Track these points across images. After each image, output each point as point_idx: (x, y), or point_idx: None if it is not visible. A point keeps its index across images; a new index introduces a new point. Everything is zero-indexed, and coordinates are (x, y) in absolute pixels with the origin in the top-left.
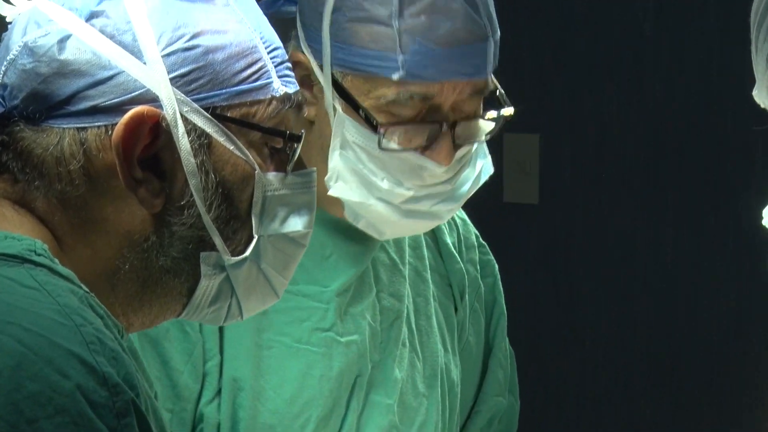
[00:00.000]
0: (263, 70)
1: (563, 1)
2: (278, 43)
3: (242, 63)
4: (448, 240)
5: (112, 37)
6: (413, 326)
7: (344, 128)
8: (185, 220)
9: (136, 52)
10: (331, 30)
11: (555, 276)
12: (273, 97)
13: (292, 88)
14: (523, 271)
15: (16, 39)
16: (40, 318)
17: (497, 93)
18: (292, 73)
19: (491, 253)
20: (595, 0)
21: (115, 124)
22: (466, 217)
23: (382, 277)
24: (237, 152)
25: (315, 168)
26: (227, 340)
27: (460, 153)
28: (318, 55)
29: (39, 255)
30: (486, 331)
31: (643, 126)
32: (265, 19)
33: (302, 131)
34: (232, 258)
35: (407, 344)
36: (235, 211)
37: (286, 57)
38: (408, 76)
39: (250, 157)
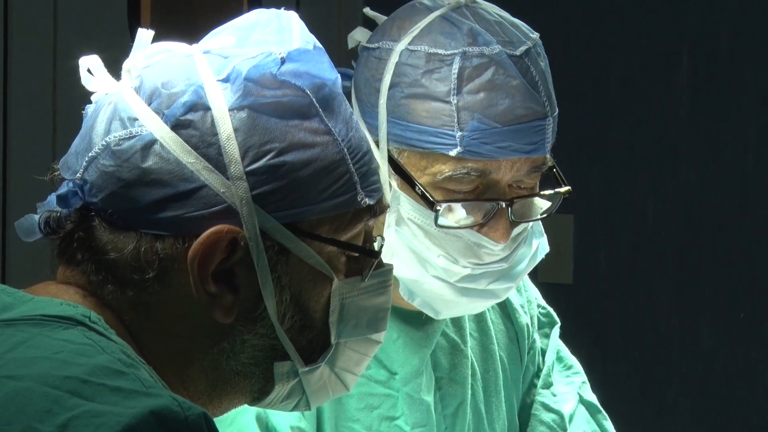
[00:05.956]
0: (348, 183)
1: (600, 82)
2: (365, 146)
3: (328, 179)
4: (514, 300)
5: (197, 149)
6: (480, 407)
7: (399, 204)
8: (257, 331)
9: (220, 167)
10: (388, 106)
11: (588, 356)
12: (355, 210)
13: (376, 196)
14: None
15: (99, 132)
16: (96, 368)
17: (554, 170)
18: (377, 177)
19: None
20: (631, 81)
21: (193, 236)
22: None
23: (442, 362)
24: (316, 265)
25: (392, 264)
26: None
27: (516, 231)
28: (374, 131)
29: (93, 322)
30: (532, 377)
31: (678, 209)
32: (354, 120)
33: (382, 244)
34: (306, 367)
35: (471, 428)
36: (310, 321)
37: (373, 162)
38: (466, 153)
39: (329, 268)
